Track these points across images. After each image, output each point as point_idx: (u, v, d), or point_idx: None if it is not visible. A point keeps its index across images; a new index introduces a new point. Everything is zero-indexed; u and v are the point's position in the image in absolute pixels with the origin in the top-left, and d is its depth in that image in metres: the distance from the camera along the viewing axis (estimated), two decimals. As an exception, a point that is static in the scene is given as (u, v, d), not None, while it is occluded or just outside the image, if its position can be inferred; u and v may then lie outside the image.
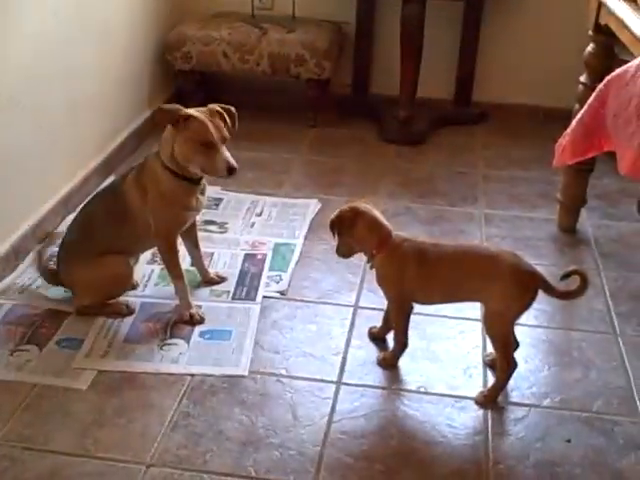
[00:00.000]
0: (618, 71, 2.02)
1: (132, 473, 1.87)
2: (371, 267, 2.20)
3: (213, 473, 1.87)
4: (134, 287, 2.55)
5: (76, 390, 2.13)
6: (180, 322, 2.41)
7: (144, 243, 2.46)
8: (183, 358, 2.26)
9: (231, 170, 2.24)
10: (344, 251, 2.21)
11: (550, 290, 2.06)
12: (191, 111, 2.22)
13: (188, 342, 2.32)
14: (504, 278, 2.04)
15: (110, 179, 3.32)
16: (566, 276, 2.05)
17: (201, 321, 2.42)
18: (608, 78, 2.06)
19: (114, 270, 2.38)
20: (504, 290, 2.03)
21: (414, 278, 2.12)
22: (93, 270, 2.37)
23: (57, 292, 2.51)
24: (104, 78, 3.31)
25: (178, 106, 2.24)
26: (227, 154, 2.25)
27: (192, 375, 2.20)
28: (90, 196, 2.61)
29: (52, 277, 2.49)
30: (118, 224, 2.36)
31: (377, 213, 2.15)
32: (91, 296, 2.42)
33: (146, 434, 1.99)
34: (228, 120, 2.30)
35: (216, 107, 2.29)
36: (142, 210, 2.33)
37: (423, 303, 2.26)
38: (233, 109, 2.34)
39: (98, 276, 2.37)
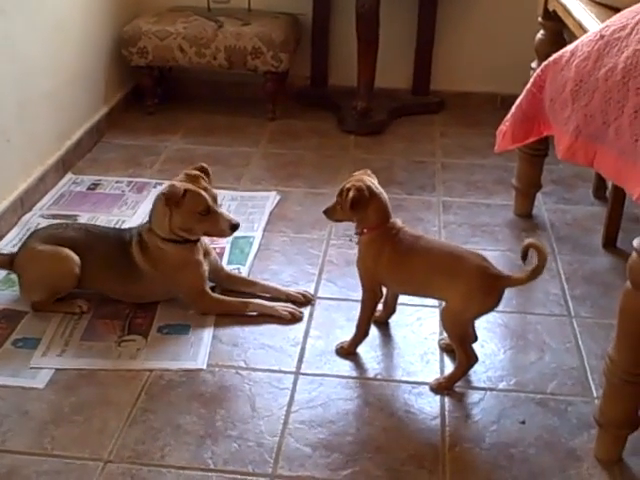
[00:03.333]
0: (554, 56, 2.05)
1: (90, 470, 1.87)
2: (356, 243, 2.23)
3: (171, 467, 1.88)
4: None
5: (33, 389, 2.12)
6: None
7: (137, 297, 2.47)
8: (141, 354, 2.26)
9: (233, 227, 2.34)
10: (339, 217, 2.22)
11: (518, 282, 2.06)
12: (180, 186, 2.29)
13: (146, 337, 2.32)
14: (467, 279, 2.06)
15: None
16: (525, 255, 2.03)
17: (296, 318, 2.43)
18: (545, 63, 2.10)
19: (58, 266, 2.37)
20: (466, 291, 2.05)
21: (386, 266, 2.16)
22: (38, 263, 2.38)
23: (13, 292, 2.49)
24: (58, 75, 3.28)
25: (175, 184, 2.29)
26: (225, 213, 2.36)
27: (150, 370, 2.19)
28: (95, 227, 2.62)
29: (5, 261, 2.48)
30: (124, 277, 2.42)
31: (386, 196, 2.17)
32: (35, 290, 2.41)
33: (104, 431, 1.98)
34: (207, 178, 2.38)
35: (193, 172, 2.36)
36: (153, 276, 2.39)
37: (394, 291, 2.32)
38: (205, 165, 2.43)
39: (43, 269, 2.38)
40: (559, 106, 1.94)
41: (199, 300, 2.43)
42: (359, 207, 2.12)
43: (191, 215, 2.31)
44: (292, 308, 2.45)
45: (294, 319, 2.42)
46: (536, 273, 2.02)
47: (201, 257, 2.43)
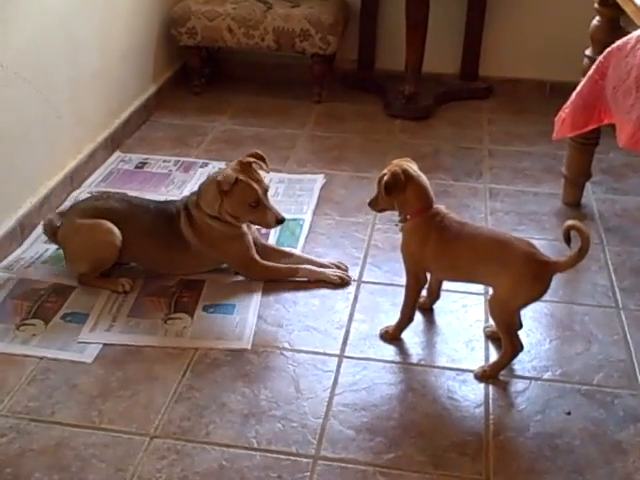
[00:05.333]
0: (618, 43, 2.01)
1: (136, 444, 1.90)
2: (400, 229, 2.22)
3: (216, 444, 1.90)
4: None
5: (81, 363, 2.15)
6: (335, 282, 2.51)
7: (182, 268, 2.52)
8: (187, 332, 2.28)
9: (279, 222, 2.39)
10: (382, 206, 2.22)
11: (566, 266, 2.03)
12: (233, 174, 2.32)
13: (192, 316, 2.34)
14: (515, 266, 2.04)
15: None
16: (567, 237, 2.01)
17: (345, 281, 2.51)
18: (608, 50, 2.06)
19: (99, 239, 2.40)
20: (514, 278, 2.03)
21: (431, 252, 2.15)
22: (80, 236, 2.43)
23: (63, 267, 2.53)
24: (108, 53, 3.31)
25: (229, 173, 2.33)
26: (273, 207, 2.39)
27: (196, 349, 2.22)
28: (137, 199, 2.60)
29: (53, 234, 2.52)
30: (170, 249, 2.47)
31: (425, 180, 2.16)
32: (79, 263, 2.45)
33: (150, 406, 2.01)
34: (262, 164, 2.41)
35: (248, 159, 2.39)
36: (200, 248, 2.46)
37: (439, 278, 2.31)
38: (260, 152, 2.44)
39: (84, 242, 2.42)
40: (622, 94, 1.90)
41: (249, 267, 2.49)
42: (395, 191, 2.11)
43: (241, 205, 2.36)
44: (341, 273, 2.51)
45: (343, 283, 2.49)
46: (582, 254, 1.98)
47: (246, 228, 2.48)
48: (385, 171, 2.13)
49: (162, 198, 2.92)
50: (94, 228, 2.41)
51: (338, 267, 2.56)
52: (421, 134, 3.64)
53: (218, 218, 2.41)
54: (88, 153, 3.16)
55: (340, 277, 2.51)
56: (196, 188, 2.51)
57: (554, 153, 3.35)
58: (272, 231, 2.76)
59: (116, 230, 2.41)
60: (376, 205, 2.22)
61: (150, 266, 2.52)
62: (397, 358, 2.22)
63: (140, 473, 1.82)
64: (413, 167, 2.16)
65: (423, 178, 2.15)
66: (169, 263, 2.50)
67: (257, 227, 2.56)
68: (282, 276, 2.51)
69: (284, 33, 3.74)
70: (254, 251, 2.49)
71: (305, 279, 2.51)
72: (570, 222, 2.01)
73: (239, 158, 2.42)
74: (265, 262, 2.51)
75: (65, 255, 2.51)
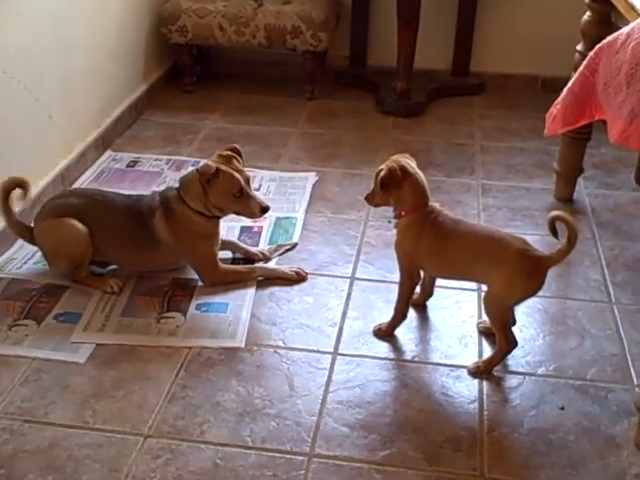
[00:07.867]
0: (609, 39, 2.01)
1: (130, 444, 1.89)
2: (395, 226, 2.22)
3: (210, 443, 1.90)
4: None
5: (74, 363, 2.14)
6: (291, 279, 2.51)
7: (145, 267, 2.51)
8: (180, 331, 2.27)
9: (263, 210, 2.38)
10: (377, 202, 2.21)
11: (558, 257, 2.02)
12: (214, 164, 2.33)
13: (185, 315, 2.34)
14: (510, 264, 2.03)
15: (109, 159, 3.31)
16: (553, 229, 2.01)
17: (301, 277, 2.52)
18: (599, 46, 2.06)
19: (65, 233, 2.39)
20: (508, 276, 2.03)
21: (426, 250, 2.14)
22: (48, 237, 2.43)
23: (55, 267, 2.52)
24: (99, 52, 3.30)
25: (209, 164, 2.33)
26: (257, 196, 2.41)
27: (189, 347, 2.21)
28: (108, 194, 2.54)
29: (26, 233, 2.50)
30: (138, 247, 2.45)
31: (422, 177, 2.15)
32: (56, 261, 2.45)
33: (144, 406, 2.01)
34: (239, 158, 2.41)
35: (226, 152, 2.39)
36: (171, 246, 2.43)
37: (433, 275, 2.31)
38: (237, 146, 2.46)
39: (53, 242, 2.42)
40: (613, 90, 1.90)
41: (212, 271, 2.47)
42: (391, 187, 2.10)
43: (225, 196, 2.35)
44: (297, 268, 2.53)
45: (300, 278, 2.50)
46: (571, 243, 1.97)
47: (220, 231, 2.49)
48: (382, 166, 2.12)
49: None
50: (57, 227, 2.40)
51: (263, 254, 2.61)
52: (413, 130, 3.64)
53: (202, 213, 2.40)
54: (79, 152, 3.15)
55: (296, 272, 2.51)
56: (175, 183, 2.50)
57: (546, 148, 3.35)
58: (265, 230, 2.77)
59: (79, 224, 2.39)
60: (372, 200, 2.22)
61: (113, 261, 2.51)
62: (391, 355, 2.22)
63: (134, 473, 1.81)
64: (411, 164, 2.15)
65: (420, 175, 2.15)
66: (133, 261, 2.49)
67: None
68: (241, 278, 2.50)
69: (275, 30, 3.74)
70: (218, 257, 2.49)
71: (261, 278, 2.51)
72: (554, 213, 2.00)
73: (218, 152, 2.41)
74: (225, 266, 2.50)
75: (44, 257, 2.50)
